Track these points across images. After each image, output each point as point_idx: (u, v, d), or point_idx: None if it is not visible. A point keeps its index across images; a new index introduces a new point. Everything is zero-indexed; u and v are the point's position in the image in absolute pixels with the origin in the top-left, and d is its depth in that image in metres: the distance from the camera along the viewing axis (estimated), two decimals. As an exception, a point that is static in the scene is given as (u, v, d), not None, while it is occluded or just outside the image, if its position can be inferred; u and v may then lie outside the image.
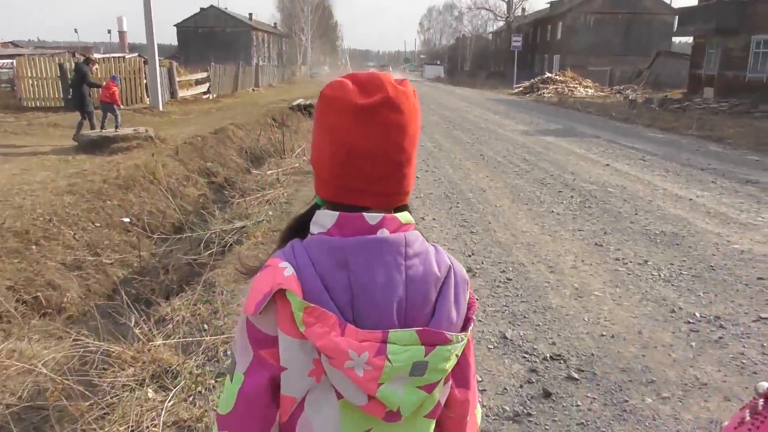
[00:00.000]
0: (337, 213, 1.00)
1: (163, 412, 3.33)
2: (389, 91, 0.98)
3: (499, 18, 60.97)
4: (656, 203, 7.73)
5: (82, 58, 16.05)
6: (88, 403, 3.45)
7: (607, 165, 10.58)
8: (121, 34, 72.96)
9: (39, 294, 6.48)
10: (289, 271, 0.96)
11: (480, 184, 9.00)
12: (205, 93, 27.49)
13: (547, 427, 3.07)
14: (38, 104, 19.73)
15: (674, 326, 4.21)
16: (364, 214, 1.00)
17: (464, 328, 1.05)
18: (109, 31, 60.77)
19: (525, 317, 4.37)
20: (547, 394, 3.34)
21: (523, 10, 59.43)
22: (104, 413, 3.38)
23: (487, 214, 7.25)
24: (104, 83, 14.03)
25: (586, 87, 35.87)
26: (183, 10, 61.53)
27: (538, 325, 4.24)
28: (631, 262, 5.53)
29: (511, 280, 5.10)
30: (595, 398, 3.31)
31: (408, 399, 0.97)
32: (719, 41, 27.80)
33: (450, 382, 1.10)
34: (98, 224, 8.40)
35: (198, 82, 27.76)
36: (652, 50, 44.37)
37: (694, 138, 14.76)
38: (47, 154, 11.97)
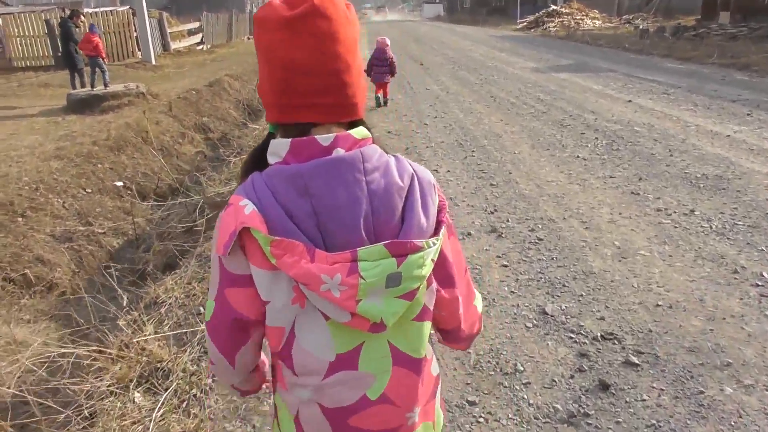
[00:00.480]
0: (289, 140, 1.00)
1: (152, 425, 2.82)
2: (312, 1, 0.97)
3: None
4: (691, 142, 7.01)
5: (68, 13, 15.14)
6: (63, 416, 2.94)
7: (629, 101, 9.78)
8: (111, -14, 70.82)
9: (27, 271, 5.96)
10: (249, 207, 0.96)
11: (494, 128, 8.28)
12: (198, 44, 26.37)
13: (610, 430, 2.52)
14: (28, 64, 18.90)
15: (741, 291, 3.61)
16: (316, 136, 0.99)
17: (436, 232, 1.05)
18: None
19: (564, 286, 3.78)
20: (604, 386, 2.79)
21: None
22: (83, 427, 2.87)
23: (506, 163, 6.58)
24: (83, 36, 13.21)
25: (594, 18, 34.28)
26: (172, -42, 58.92)
27: (581, 295, 3.66)
28: (675, 212, 4.90)
29: (542, 240, 4.49)
30: (662, 389, 2.75)
31: (388, 310, 0.99)
32: (735, -39, 26.15)
33: (434, 284, 1.09)
34: (89, 190, 7.82)
35: (190, 33, 26.60)
36: (661, -24, 42.28)
37: (717, 67, 13.81)
38: (36, 117, 11.28)
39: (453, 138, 7.86)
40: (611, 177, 5.89)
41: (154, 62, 20.59)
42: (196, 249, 4.97)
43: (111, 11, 23.43)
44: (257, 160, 1.06)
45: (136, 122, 10.51)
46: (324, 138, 0.99)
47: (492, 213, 5.10)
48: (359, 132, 1.02)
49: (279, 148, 1.00)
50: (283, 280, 0.98)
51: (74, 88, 13.11)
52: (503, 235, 4.60)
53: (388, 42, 10.06)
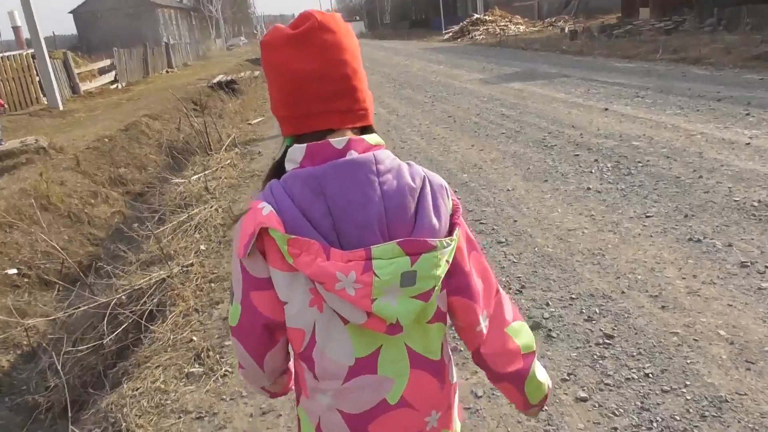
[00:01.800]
0: (305, 145, 1.01)
1: None
2: (317, 17, 1.01)
3: (415, -37, 57.82)
4: (711, 156, 5.79)
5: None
6: None
7: (606, 109, 8.60)
8: (16, 29, 65.92)
9: None
10: (267, 209, 0.98)
11: (469, 157, 6.86)
12: (112, 82, 24.04)
13: None
14: None
15: None
16: (330, 140, 1.00)
17: (450, 233, 1.05)
18: (-3, 28, 54.50)
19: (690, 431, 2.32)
20: None
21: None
22: None
23: (504, 205, 5.15)
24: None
25: (517, 24, 33.97)
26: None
27: (736, 456, 2.21)
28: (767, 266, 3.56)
29: (613, 337, 3.03)
30: None
31: (404, 309, 0.98)
32: (648, -43, 26.19)
33: (444, 290, 1.08)
34: (-36, 291, 5.89)
35: (102, 72, 24.22)
36: (573, -22, 42.76)
37: (667, 63, 13.00)
38: None
39: (424, 175, 6.36)
40: (647, 216, 4.53)
41: (61, 107, 18.29)
42: (101, 401, 3.25)
43: (7, 56, 20.90)
44: (276, 171, 1.09)
45: (33, 186, 8.52)
46: (338, 141, 1.00)
47: (520, 292, 3.62)
48: (372, 138, 1.04)
49: (295, 154, 1.03)
50: (300, 282, 0.99)
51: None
52: (553, 334, 3.12)
53: None
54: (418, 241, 0.96)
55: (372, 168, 0.99)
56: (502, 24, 33.71)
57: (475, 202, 5.33)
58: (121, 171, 11.19)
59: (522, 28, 32.39)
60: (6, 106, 11.50)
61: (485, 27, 33.28)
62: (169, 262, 5.11)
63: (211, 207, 6.42)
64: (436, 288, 1.00)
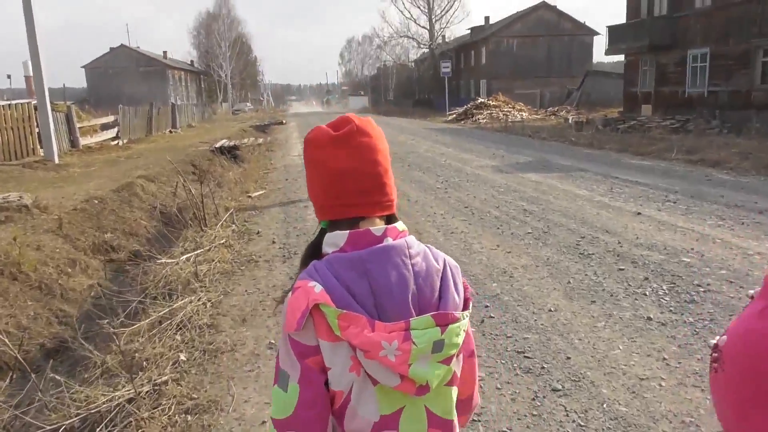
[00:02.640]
0: (347, 232, 1.15)
1: None
2: (355, 122, 1.19)
3: (422, 46, 59.19)
4: (782, 285, 4.98)
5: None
6: None
7: (639, 213, 7.85)
8: (27, 79, 66.33)
9: None
10: (318, 288, 1.09)
11: (495, 260, 6.01)
12: (114, 139, 23.48)
13: None
14: None
15: None
16: (370, 228, 1.15)
17: (465, 307, 1.19)
18: (9, 77, 54.75)
19: None
20: None
21: (443, 37, 58.02)
22: None
23: (549, 333, 4.23)
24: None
25: (520, 110, 34.19)
26: (95, 52, 56.39)
27: None
28: None
29: None
30: None
31: (433, 373, 1.11)
32: (652, 58, 26.57)
33: (461, 354, 1.23)
34: None
35: (105, 127, 23.70)
36: (573, 71, 43.74)
37: (686, 164, 12.48)
38: None
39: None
40: (736, 367, 3.65)
41: (57, 161, 17.57)
42: None
43: (9, 105, 20.35)
44: (313, 253, 1.23)
45: (4, 252, 7.57)
46: (377, 229, 1.16)
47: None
48: (400, 225, 1.21)
49: (337, 239, 1.16)
50: (343, 350, 1.10)
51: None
52: None
53: None
54: (447, 314, 1.12)
55: (405, 252, 1.15)
56: (506, 110, 33.91)
57: (513, 325, 4.42)
58: (107, 237, 10.28)
59: (525, 115, 32.53)
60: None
61: (489, 111, 33.43)
62: (137, 375, 4.11)
63: (198, 300, 5.46)
64: (454, 355, 1.15)
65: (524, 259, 6.05)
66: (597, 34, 45.38)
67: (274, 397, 1.14)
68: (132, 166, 17.23)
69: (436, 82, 50.05)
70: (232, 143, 21.38)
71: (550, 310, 4.67)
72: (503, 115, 32.87)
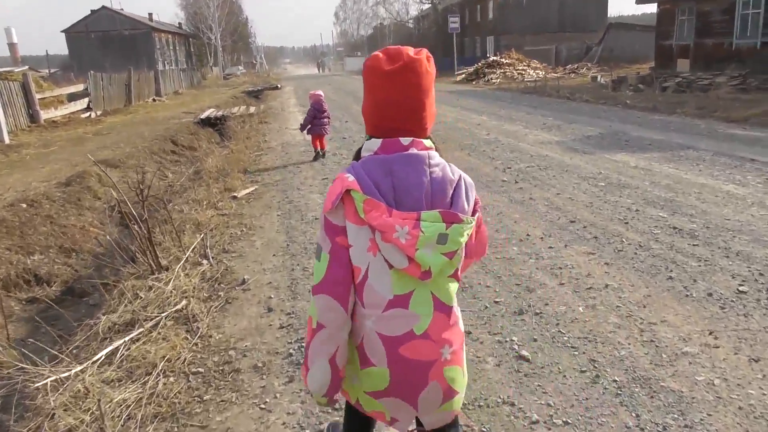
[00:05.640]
0: (381, 140, 1.44)
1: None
2: (405, 60, 1.40)
3: (423, 1, 54.39)
4: None
5: None
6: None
7: None
8: (11, 46, 61.46)
9: None
10: (351, 178, 1.38)
11: (638, 321, 2.96)
12: (85, 110, 19.88)
13: None
14: None
15: None
16: (399, 138, 1.42)
17: (473, 214, 1.46)
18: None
19: None
20: None
21: (444, -8, 53.26)
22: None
23: None
24: None
25: (536, 68, 30.45)
26: (77, 15, 51.33)
27: None
28: None
29: None
30: None
31: (435, 260, 1.38)
32: (692, 6, 22.81)
33: (463, 254, 1.47)
34: None
35: (73, 98, 20.05)
36: (588, 25, 39.69)
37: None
38: None
39: (567, 359, 2.74)
40: None
41: (7, 140, 14.17)
42: None
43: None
44: (357, 157, 1.50)
45: None
46: (405, 140, 1.42)
47: None
48: (427, 142, 1.46)
49: (372, 145, 1.45)
50: (364, 233, 1.38)
51: None
52: None
53: (323, 95, 9.48)
54: (453, 213, 1.38)
55: (426, 161, 1.41)
56: (520, 68, 30.18)
57: None
58: (34, 260, 7.01)
59: (541, 73, 28.82)
60: None
61: (502, 70, 29.69)
62: None
63: None
64: (459, 251, 1.42)
65: (694, 322, 3.02)
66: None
67: (314, 270, 1.46)
68: (99, 144, 13.77)
69: (440, 40, 45.87)
70: (220, 113, 17.87)
71: None
72: (518, 73, 29.18)
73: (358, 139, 11.20)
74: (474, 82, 29.02)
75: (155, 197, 9.10)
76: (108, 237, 6.78)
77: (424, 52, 1.44)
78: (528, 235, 5.06)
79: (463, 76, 31.32)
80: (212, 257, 5.13)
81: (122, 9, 51.75)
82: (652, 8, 25.05)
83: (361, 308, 1.44)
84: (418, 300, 1.41)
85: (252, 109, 18.53)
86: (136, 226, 5.04)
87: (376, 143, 1.43)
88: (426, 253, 1.34)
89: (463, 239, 1.39)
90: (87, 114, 19.74)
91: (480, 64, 31.27)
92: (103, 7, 49.22)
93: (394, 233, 1.32)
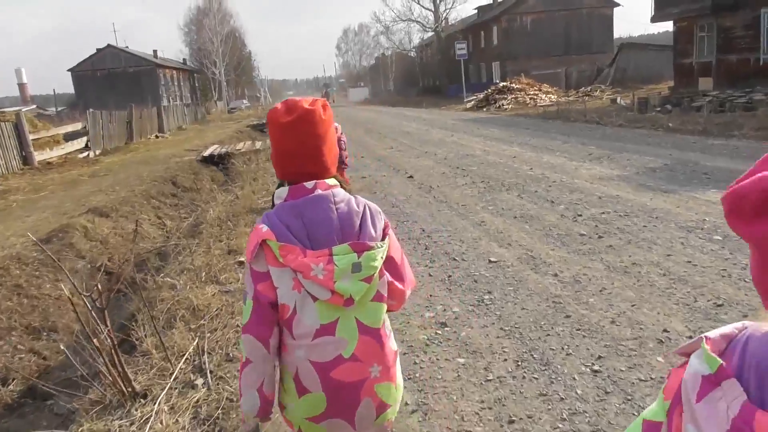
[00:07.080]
0: (287, 187, 1.52)
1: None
2: (300, 111, 1.47)
3: (427, 29, 53.37)
4: None
5: None
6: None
7: None
8: (21, 86, 60.79)
9: None
10: (264, 228, 1.44)
11: None
12: (83, 150, 18.48)
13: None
14: None
15: None
16: (304, 183, 1.49)
17: (384, 240, 1.53)
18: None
19: None
20: None
21: (446, 20, 52.32)
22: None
23: None
24: None
25: (547, 93, 29.10)
26: (83, 55, 50.58)
27: None
28: None
29: None
30: None
31: (355, 288, 1.44)
32: (711, 23, 21.44)
33: (385, 276, 1.53)
34: None
35: (70, 137, 18.66)
36: (595, 47, 38.50)
37: None
38: None
39: None
40: None
41: (-7, 186, 12.68)
42: None
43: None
44: (272, 204, 1.62)
45: None
46: (309, 184, 1.50)
47: None
48: (331, 181, 1.53)
49: (282, 193, 1.52)
50: (287, 274, 1.44)
51: None
52: None
53: (339, 127, 7.84)
54: (362, 243, 1.45)
55: (331, 199, 1.49)
56: (532, 93, 28.82)
57: None
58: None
59: (554, 97, 27.43)
60: None
61: (513, 96, 28.32)
62: None
63: None
64: (375, 275, 1.48)
65: None
66: (617, 5, 40.01)
67: (243, 312, 1.49)
68: (94, 187, 12.24)
69: (444, 68, 44.77)
70: (224, 150, 16.41)
71: None
72: (530, 98, 27.80)
73: (380, 179, 9.62)
74: (485, 109, 27.66)
75: (146, 258, 7.46)
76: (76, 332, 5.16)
77: (320, 101, 1.52)
78: (666, 331, 3.41)
79: (473, 102, 29.98)
80: (210, 372, 3.50)
81: (127, 47, 51.04)
82: (659, 28, 23.78)
83: (291, 340, 1.50)
84: (343, 326, 1.48)
85: (258, 144, 17.06)
86: (101, 334, 3.49)
87: (284, 191, 1.52)
88: (344, 283, 1.43)
89: (377, 263, 1.47)
90: (85, 154, 18.36)
91: (490, 89, 29.93)
92: (109, 45, 48.53)
93: (311, 271, 1.41)
